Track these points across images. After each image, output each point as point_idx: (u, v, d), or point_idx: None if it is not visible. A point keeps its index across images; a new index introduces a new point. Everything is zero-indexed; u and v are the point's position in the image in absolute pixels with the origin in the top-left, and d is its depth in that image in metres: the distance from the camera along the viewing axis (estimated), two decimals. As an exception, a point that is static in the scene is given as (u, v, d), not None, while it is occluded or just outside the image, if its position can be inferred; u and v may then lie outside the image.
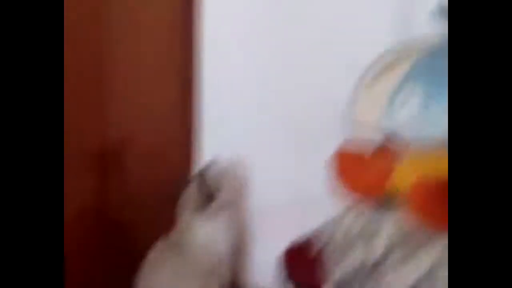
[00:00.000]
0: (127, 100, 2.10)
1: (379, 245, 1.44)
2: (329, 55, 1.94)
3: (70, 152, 1.90)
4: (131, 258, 2.07)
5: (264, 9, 2.07)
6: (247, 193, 2.25)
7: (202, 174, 2.05)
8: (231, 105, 2.23)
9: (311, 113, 2.01)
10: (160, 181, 2.22)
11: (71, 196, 1.94)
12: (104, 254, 2.11)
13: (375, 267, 1.44)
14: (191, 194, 2.05)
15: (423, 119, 1.40)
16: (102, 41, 1.97)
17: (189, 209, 2.05)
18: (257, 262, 2.32)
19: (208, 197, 2.04)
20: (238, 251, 2.27)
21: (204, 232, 2.05)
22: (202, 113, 2.28)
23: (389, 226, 1.45)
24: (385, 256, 1.43)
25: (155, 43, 2.16)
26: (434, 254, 1.37)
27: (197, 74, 2.26)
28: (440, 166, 1.37)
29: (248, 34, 2.12)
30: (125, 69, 2.07)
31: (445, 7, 1.49)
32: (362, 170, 1.51)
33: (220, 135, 2.28)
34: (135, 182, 2.17)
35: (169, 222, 2.09)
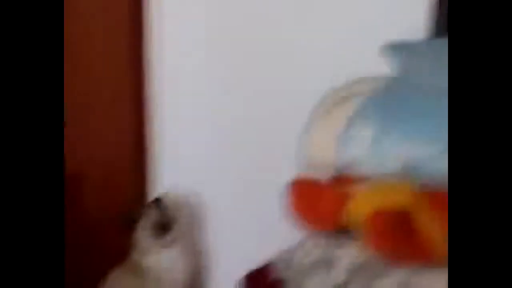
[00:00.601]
0: (82, 127, 2.09)
1: (337, 277, 1.44)
2: (287, 82, 1.94)
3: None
4: (87, 282, 2.05)
5: (219, 33, 2.07)
6: (203, 223, 2.25)
7: (158, 203, 2.04)
8: (187, 136, 2.22)
9: (268, 143, 2.01)
10: (115, 208, 2.19)
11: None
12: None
13: None
14: (147, 221, 2.04)
15: (376, 153, 1.42)
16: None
17: (145, 236, 2.04)
18: None
19: (164, 225, 2.03)
20: (195, 281, 2.26)
21: (160, 260, 2.05)
22: (158, 143, 2.27)
23: (344, 259, 1.45)
24: (345, 285, 1.43)
25: (108, 67, 2.14)
26: (392, 285, 1.37)
27: (151, 104, 2.26)
28: (395, 198, 1.40)
29: (204, 60, 2.11)
30: (79, 96, 2.07)
31: (391, 46, 1.53)
32: (316, 200, 1.52)
33: (175, 164, 2.27)
34: (91, 209, 2.18)
35: (125, 248, 2.08)
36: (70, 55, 1.90)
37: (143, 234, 2.03)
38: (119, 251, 2.09)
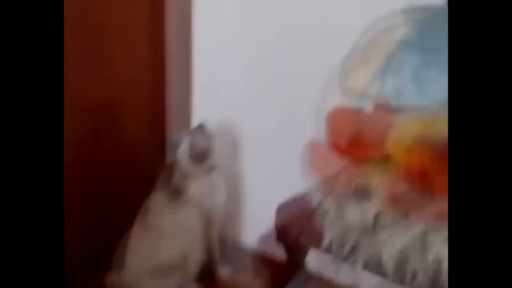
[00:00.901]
0: (122, 61, 2.15)
1: (372, 208, 1.45)
2: (324, 19, 1.95)
3: (70, 104, 1.99)
4: (126, 201, 2.15)
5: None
6: (238, 155, 2.28)
7: (201, 128, 2.10)
8: (221, 70, 2.25)
9: (307, 72, 2.02)
10: (156, 135, 2.30)
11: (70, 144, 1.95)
12: (101, 197, 2.18)
13: (367, 230, 1.46)
14: (182, 156, 2.09)
15: (418, 84, 1.42)
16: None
17: (186, 161, 2.09)
18: (248, 223, 2.37)
19: (204, 151, 2.09)
20: (229, 211, 2.31)
21: (199, 185, 2.10)
22: (196, 76, 2.33)
23: (382, 189, 1.46)
24: (377, 219, 1.45)
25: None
26: (425, 219, 1.38)
27: (192, 36, 2.30)
28: (434, 130, 1.40)
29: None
30: (120, 34, 2.12)
31: None
32: (356, 132, 1.52)
33: (210, 98, 2.32)
34: (133, 134, 2.26)
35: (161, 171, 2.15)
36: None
37: (184, 159, 2.09)
38: (156, 174, 2.17)
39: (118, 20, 2.12)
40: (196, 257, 2.12)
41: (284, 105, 2.13)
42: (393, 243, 1.41)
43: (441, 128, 1.39)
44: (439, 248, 1.36)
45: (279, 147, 2.23)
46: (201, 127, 2.13)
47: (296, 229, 1.61)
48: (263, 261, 2.35)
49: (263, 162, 2.30)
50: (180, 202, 2.10)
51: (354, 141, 1.53)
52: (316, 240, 1.53)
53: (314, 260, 1.65)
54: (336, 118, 1.56)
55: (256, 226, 2.29)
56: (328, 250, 1.51)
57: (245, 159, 2.32)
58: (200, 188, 2.12)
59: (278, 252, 1.69)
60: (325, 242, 1.51)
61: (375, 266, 1.45)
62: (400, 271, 1.40)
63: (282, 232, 1.64)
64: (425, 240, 1.38)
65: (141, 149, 2.31)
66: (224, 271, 2.29)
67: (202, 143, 2.10)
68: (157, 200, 2.11)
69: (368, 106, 1.58)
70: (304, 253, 1.65)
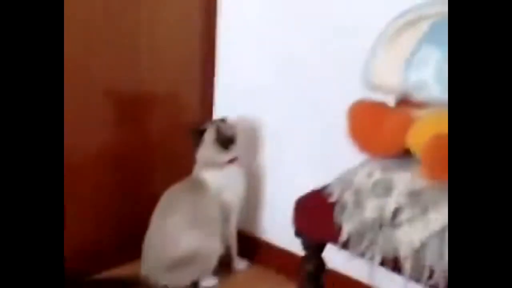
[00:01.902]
0: (156, 55, 2.22)
1: (391, 203, 1.44)
2: (346, 18, 1.96)
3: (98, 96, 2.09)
4: (148, 194, 2.19)
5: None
6: (259, 149, 2.29)
7: (224, 120, 2.13)
8: (245, 66, 2.27)
9: (324, 73, 2.02)
10: (182, 125, 2.31)
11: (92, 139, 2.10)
12: (122, 190, 2.23)
13: (386, 225, 1.44)
14: (212, 136, 2.11)
15: (441, 78, 1.40)
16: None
17: (209, 150, 2.12)
18: (267, 217, 2.37)
19: (227, 142, 2.11)
20: (249, 205, 2.32)
21: (220, 176, 2.12)
22: (221, 71, 2.35)
23: (402, 184, 1.45)
24: (396, 214, 1.43)
25: (178, 7, 2.26)
26: (446, 215, 1.36)
27: (214, 37, 2.34)
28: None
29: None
30: (154, 31, 2.19)
31: None
32: (379, 124, 1.51)
33: (233, 92, 2.34)
34: (159, 124, 2.30)
35: (185, 167, 2.18)
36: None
37: (207, 147, 2.11)
38: (184, 167, 2.20)
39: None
40: (214, 250, 2.12)
41: (307, 101, 2.13)
42: (411, 239, 1.39)
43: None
44: None
45: (300, 142, 2.24)
46: (223, 119, 2.15)
47: (314, 223, 1.60)
48: (281, 255, 2.35)
49: (284, 156, 2.30)
50: (199, 193, 2.10)
51: (374, 134, 1.52)
52: (334, 234, 1.51)
53: (332, 255, 1.64)
54: (357, 111, 1.55)
55: (275, 220, 2.31)
56: (345, 245, 1.51)
57: (266, 153, 2.32)
58: (221, 179, 2.12)
59: (297, 247, 1.68)
60: (343, 237, 1.50)
61: (392, 262, 1.43)
62: (418, 268, 1.38)
63: (301, 226, 1.63)
64: (444, 236, 1.35)
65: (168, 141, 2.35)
66: (241, 265, 2.28)
67: (228, 129, 2.12)
68: (177, 190, 2.12)
69: (391, 100, 1.58)
70: (322, 248, 1.65)
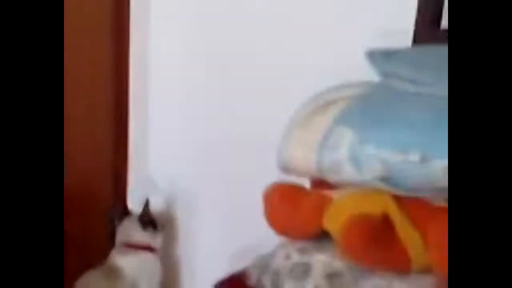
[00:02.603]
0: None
1: (310, 284, 1.42)
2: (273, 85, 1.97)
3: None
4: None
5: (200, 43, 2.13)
6: (174, 236, 2.30)
7: (147, 203, 2.11)
8: (173, 136, 2.27)
9: (251, 145, 2.02)
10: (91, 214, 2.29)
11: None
12: None
13: None
14: (130, 220, 2.10)
15: (354, 160, 1.38)
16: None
17: (124, 235, 2.10)
18: None
19: (144, 226, 2.10)
20: (170, 285, 2.28)
21: (137, 262, 2.09)
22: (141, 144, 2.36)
23: (319, 266, 1.43)
24: None
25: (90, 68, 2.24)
26: None
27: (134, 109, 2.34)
28: (372, 205, 1.39)
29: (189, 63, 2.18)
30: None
31: (375, 52, 1.52)
32: (292, 210, 1.50)
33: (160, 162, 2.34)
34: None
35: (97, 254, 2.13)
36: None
37: (128, 226, 2.10)
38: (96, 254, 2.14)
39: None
40: None
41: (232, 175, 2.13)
42: None
43: (375, 205, 1.39)
44: None
45: (213, 225, 2.22)
46: (147, 202, 2.13)
47: None
48: None
49: (198, 243, 2.28)
50: (113, 280, 2.05)
51: (291, 218, 1.50)
52: None
53: None
54: (273, 195, 1.53)
55: None
56: None
57: (180, 241, 2.32)
58: (136, 266, 2.08)
59: None
60: None
61: None
62: None
63: None
64: None
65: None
66: None
67: (151, 214, 2.11)
68: (91, 277, 2.06)
69: (306, 181, 1.56)
70: None
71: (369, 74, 1.53)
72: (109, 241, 2.14)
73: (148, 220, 2.09)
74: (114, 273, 2.05)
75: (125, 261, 2.06)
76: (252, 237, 1.68)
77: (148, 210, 2.11)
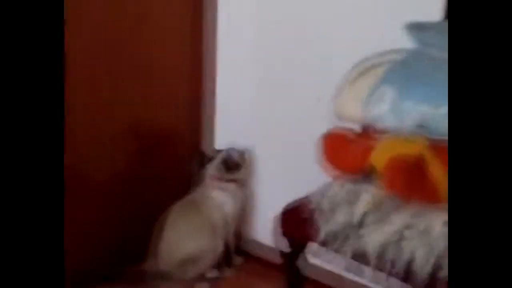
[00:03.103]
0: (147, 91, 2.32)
1: (359, 210, 1.58)
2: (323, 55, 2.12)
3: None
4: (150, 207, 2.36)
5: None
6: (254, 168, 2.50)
7: (228, 152, 2.35)
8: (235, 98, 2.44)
9: (305, 102, 2.19)
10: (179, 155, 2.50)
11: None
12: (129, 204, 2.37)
13: (355, 227, 1.57)
14: (215, 165, 2.34)
15: (395, 112, 1.56)
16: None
17: (210, 177, 2.34)
18: (259, 222, 2.56)
19: (228, 170, 2.34)
20: (244, 213, 2.51)
21: (219, 198, 2.35)
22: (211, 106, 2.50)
23: (366, 196, 1.59)
24: (363, 219, 1.57)
25: (169, 36, 2.35)
26: (402, 219, 1.51)
27: (211, 73, 2.46)
28: (408, 148, 1.54)
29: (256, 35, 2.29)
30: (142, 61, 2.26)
31: (411, 25, 1.65)
32: (345, 151, 1.65)
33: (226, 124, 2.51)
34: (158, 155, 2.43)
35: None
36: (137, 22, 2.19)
37: (217, 166, 2.33)
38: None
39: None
40: (216, 249, 2.35)
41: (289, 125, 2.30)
42: (376, 238, 1.52)
43: (412, 148, 1.53)
44: (412, 243, 1.47)
45: (278, 163, 2.41)
46: (233, 148, 2.37)
47: (298, 226, 1.70)
48: (269, 252, 2.43)
49: (273, 173, 2.47)
50: (205, 205, 2.33)
51: (344, 156, 1.66)
52: (314, 235, 1.62)
53: (312, 251, 1.73)
54: (330, 138, 1.70)
55: (266, 224, 2.34)
56: (323, 243, 1.61)
57: (257, 175, 2.51)
58: (223, 195, 2.35)
59: (283, 245, 1.77)
60: (321, 236, 1.61)
61: (361, 256, 1.54)
62: (381, 261, 1.50)
63: (286, 229, 1.74)
64: (401, 236, 1.49)
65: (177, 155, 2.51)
66: (237, 260, 2.52)
67: (236, 156, 2.35)
68: (188, 201, 2.34)
69: (357, 128, 1.72)
70: (304, 246, 1.75)
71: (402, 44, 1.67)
72: (197, 179, 2.39)
73: (231, 165, 2.33)
74: (203, 201, 2.34)
75: (212, 190, 2.34)
76: (312, 175, 1.76)
77: (230, 156, 2.35)
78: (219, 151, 2.39)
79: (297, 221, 1.70)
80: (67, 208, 1.12)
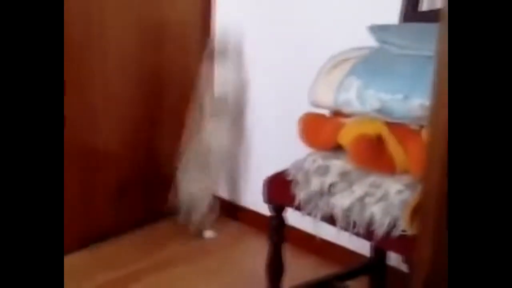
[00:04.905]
0: None
1: (329, 179, 1.67)
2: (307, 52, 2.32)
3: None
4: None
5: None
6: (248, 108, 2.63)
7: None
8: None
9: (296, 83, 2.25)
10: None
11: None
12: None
13: (325, 193, 1.66)
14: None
15: (360, 98, 1.67)
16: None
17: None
18: (249, 187, 2.71)
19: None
20: (237, 181, 2.65)
21: (215, 133, 2.49)
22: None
23: (335, 168, 1.69)
24: (332, 186, 1.66)
25: None
26: (364, 187, 1.61)
27: None
28: (371, 127, 1.65)
29: None
30: None
31: (375, 26, 1.77)
32: (318, 130, 1.75)
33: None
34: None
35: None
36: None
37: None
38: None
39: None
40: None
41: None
42: (342, 203, 1.61)
43: (373, 128, 1.65)
44: (372, 207, 1.56)
45: (270, 135, 2.54)
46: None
47: (278, 193, 1.80)
48: (256, 216, 2.64)
49: (257, 146, 2.61)
50: (203, 155, 2.50)
51: (317, 135, 1.77)
52: (291, 201, 1.72)
53: (289, 214, 1.85)
54: (305, 120, 1.81)
55: (253, 191, 2.59)
56: (298, 208, 1.71)
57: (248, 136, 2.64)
58: (214, 137, 2.49)
59: (267, 209, 1.86)
60: (296, 202, 1.70)
61: (329, 219, 1.65)
62: (346, 222, 1.61)
63: (270, 196, 1.84)
64: (362, 201, 1.58)
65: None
66: (209, 234, 2.69)
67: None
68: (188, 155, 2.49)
69: (327, 112, 1.83)
70: (283, 210, 1.85)
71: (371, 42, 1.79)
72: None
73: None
74: (204, 148, 2.51)
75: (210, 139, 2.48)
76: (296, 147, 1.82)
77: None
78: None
79: (277, 189, 1.82)
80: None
